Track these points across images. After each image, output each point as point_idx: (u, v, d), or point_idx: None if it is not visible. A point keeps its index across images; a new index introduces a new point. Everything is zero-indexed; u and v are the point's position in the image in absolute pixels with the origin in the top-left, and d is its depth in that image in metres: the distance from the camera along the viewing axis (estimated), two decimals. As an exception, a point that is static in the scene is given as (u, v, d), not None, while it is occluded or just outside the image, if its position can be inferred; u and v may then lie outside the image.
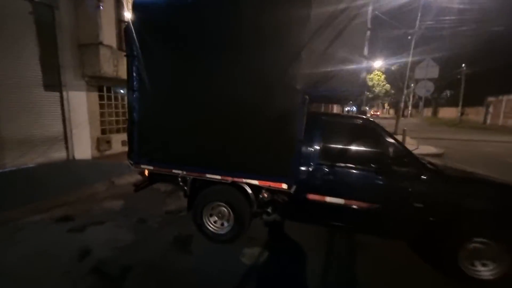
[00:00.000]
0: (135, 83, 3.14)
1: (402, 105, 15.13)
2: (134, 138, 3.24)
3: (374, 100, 46.30)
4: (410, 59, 13.56)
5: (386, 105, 64.60)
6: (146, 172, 3.37)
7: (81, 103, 6.60)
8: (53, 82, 6.06)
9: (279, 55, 2.61)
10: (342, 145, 2.84)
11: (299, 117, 2.58)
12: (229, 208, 3.05)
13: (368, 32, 2.42)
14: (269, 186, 2.80)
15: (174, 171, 3.14)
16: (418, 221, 2.56)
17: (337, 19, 2.46)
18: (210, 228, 3.12)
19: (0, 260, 2.67)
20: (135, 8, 3.03)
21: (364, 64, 2.46)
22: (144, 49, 3.03)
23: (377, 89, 41.87)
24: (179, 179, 3.19)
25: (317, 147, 2.86)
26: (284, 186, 2.73)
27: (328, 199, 2.76)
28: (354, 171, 2.73)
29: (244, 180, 2.89)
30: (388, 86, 35.90)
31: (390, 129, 12.51)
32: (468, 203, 2.43)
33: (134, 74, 3.13)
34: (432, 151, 9.75)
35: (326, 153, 2.84)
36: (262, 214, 3.20)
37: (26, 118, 5.69)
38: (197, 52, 2.86)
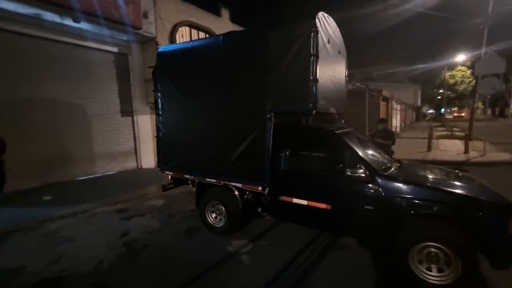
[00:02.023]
0: (159, 109, 4.26)
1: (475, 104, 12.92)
2: (159, 150, 4.35)
3: (460, 99, 39.33)
4: (483, 50, 11.71)
5: (480, 104, 54.02)
6: (169, 177, 4.42)
7: (146, 124, 8.45)
8: (127, 109, 8.05)
9: (250, 85, 3.31)
10: (305, 153, 3.25)
11: (267, 130, 3.16)
12: (223, 206, 3.77)
13: (312, 58, 2.85)
14: (249, 188, 3.43)
15: (185, 176, 4.09)
16: (369, 222, 2.74)
17: (289, 51, 2.99)
18: (210, 221, 3.89)
19: (75, 233, 4.05)
20: (157, 55, 4.19)
21: (312, 85, 2.88)
22: (163, 86, 4.14)
23: (461, 87, 35.73)
24: (189, 182, 4.13)
25: (286, 155, 3.33)
26: (260, 188, 3.32)
27: (295, 200, 3.18)
28: (314, 175, 3.10)
29: (232, 184, 3.58)
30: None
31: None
32: (417, 208, 2.50)
33: (159, 103, 4.26)
34: (504, 158, 8.25)
35: (293, 159, 3.29)
36: (253, 213, 3.80)
37: (110, 137, 7.73)
38: (194, 86, 3.79)
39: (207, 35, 9.71)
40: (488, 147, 10.77)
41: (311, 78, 2.88)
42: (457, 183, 2.82)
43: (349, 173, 2.83)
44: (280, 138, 3.32)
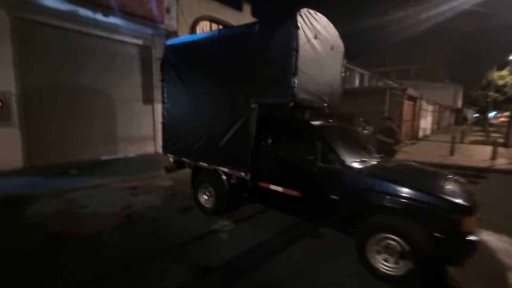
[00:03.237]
0: (165, 98, 4.69)
1: None
2: (164, 135, 4.79)
3: (511, 102, 35.33)
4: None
5: (535, 109, 48.07)
6: (172, 160, 4.86)
7: (165, 112, 9.07)
8: (148, 98, 8.73)
9: (238, 77, 3.56)
10: (284, 143, 3.43)
11: (251, 120, 3.41)
12: (212, 188, 4.10)
13: (292, 52, 3.01)
14: (234, 173, 3.71)
15: (183, 159, 4.49)
16: (335, 211, 2.88)
17: (272, 45, 3.18)
18: (201, 202, 4.26)
19: (90, 202, 4.67)
20: (165, 48, 4.59)
21: (292, 79, 3.04)
22: (169, 76, 4.54)
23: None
24: (187, 165, 4.52)
25: (268, 144, 3.55)
26: (242, 174, 3.59)
27: (272, 186, 3.40)
28: (290, 164, 3.29)
29: (220, 168, 3.89)
30: (531, 85, 27.54)
31: None
32: (378, 201, 2.59)
33: (165, 93, 4.68)
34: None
35: (273, 148, 3.50)
36: (241, 197, 4.08)
37: (132, 123, 8.47)
38: (193, 77, 4.13)
39: (227, 29, 10.04)
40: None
41: (291, 72, 3.04)
42: (428, 182, 2.82)
43: (320, 163, 2.98)
44: (264, 128, 3.54)
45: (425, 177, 3.04)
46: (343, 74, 4.40)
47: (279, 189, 3.33)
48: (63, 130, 7.03)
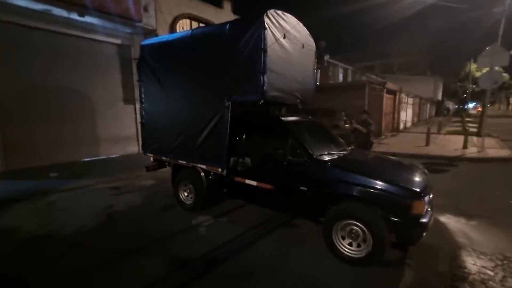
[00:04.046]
0: (142, 98, 4.73)
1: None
2: (143, 135, 4.84)
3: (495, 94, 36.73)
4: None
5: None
6: (152, 159, 4.91)
7: (148, 111, 9.03)
8: (129, 97, 8.66)
9: (211, 76, 3.67)
10: (257, 138, 3.59)
11: (225, 117, 3.53)
12: (192, 185, 4.21)
13: (260, 52, 3.14)
14: (211, 169, 3.84)
15: (163, 158, 4.56)
16: (305, 201, 3.07)
17: (242, 45, 3.30)
18: (181, 198, 4.36)
19: (70, 204, 4.68)
20: (140, 48, 4.62)
21: (261, 77, 3.18)
22: (145, 76, 4.58)
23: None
24: (166, 163, 4.60)
25: (242, 140, 3.69)
26: (219, 170, 3.72)
27: (247, 181, 3.55)
28: (262, 159, 3.44)
29: (198, 165, 4.00)
30: (506, 75, 28.84)
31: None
32: (341, 190, 2.80)
33: (142, 92, 4.72)
34: (502, 155, 8.06)
35: (247, 144, 3.65)
36: (220, 193, 4.21)
37: (113, 123, 8.40)
38: (169, 77, 4.20)
39: (208, 27, 10.04)
40: (497, 144, 10.46)
41: (259, 70, 3.18)
42: (387, 171, 3.05)
43: (289, 157, 3.14)
44: (238, 125, 3.68)
45: (385, 167, 3.28)
46: (316, 71, 4.57)
47: (254, 183, 3.48)
48: (41, 132, 6.91)
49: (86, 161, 7.69)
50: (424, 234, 2.58)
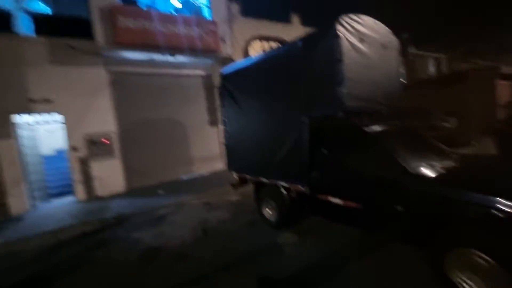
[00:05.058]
0: (224, 121, 5.17)
1: None
2: (227, 155, 5.26)
3: None
4: None
5: None
6: (236, 176, 5.26)
7: (229, 131, 9.85)
8: (213, 120, 9.66)
9: (287, 93, 3.72)
10: (339, 154, 3.33)
11: (303, 133, 3.49)
12: (274, 202, 4.26)
13: (336, 62, 2.99)
14: (293, 187, 3.81)
15: (246, 176, 4.82)
16: (402, 223, 2.63)
17: (316, 57, 3.24)
18: (265, 216, 4.46)
19: (174, 218, 5.44)
20: (220, 76, 5.11)
21: (339, 88, 3.01)
22: (226, 101, 5.01)
23: None
24: (249, 181, 4.84)
25: (324, 155, 3.50)
26: (301, 187, 3.66)
27: (331, 198, 3.33)
28: (347, 175, 3.17)
29: (279, 182, 4.04)
30: None
31: None
32: (453, 210, 2.28)
33: (224, 116, 5.18)
34: None
35: (329, 160, 3.44)
36: (303, 210, 4.12)
37: (202, 144, 9.49)
38: (247, 99, 4.48)
39: (279, 44, 10.36)
40: None
41: (337, 81, 3.02)
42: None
43: (379, 172, 2.81)
44: (318, 140, 3.54)
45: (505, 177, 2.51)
46: (402, 70, 4.05)
47: (338, 201, 3.25)
48: (150, 157, 8.42)
49: (184, 179, 8.87)
50: None
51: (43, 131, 8.73)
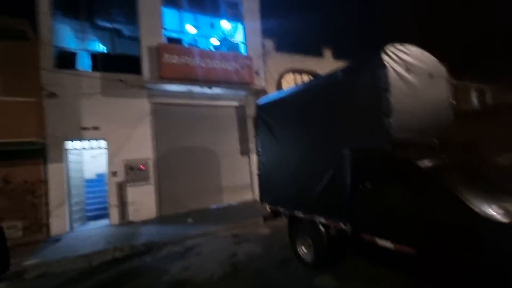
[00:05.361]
0: (259, 151, 5.12)
1: None
2: (260, 185, 5.11)
3: None
4: None
5: None
6: (269, 209, 5.03)
7: (260, 161, 9.78)
8: (245, 150, 9.71)
9: (326, 124, 3.60)
10: (387, 190, 2.99)
11: (344, 166, 3.27)
12: (311, 240, 3.92)
13: (382, 92, 2.84)
14: (332, 224, 3.50)
15: (279, 208, 4.58)
16: (469, 272, 2.19)
17: (358, 88, 3.13)
18: (300, 253, 4.10)
19: (202, 250, 5.25)
20: (256, 107, 5.17)
21: (386, 120, 2.82)
22: (261, 131, 5.00)
23: None
24: (283, 214, 4.57)
25: (369, 190, 3.19)
26: (341, 225, 3.34)
27: (379, 240, 2.95)
28: (399, 215, 2.81)
29: (317, 218, 3.75)
30: None
31: None
32: None
33: (258, 146, 5.13)
34: None
35: (375, 197, 3.11)
36: (343, 250, 3.73)
37: (232, 173, 9.48)
38: (282, 130, 4.42)
39: (311, 77, 10.51)
40: None
41: (383, 113, 2.84)
42: None
43: (439, 213, 2.45)
44: (362, 173, 3.27)
45: None
46: (452, 101, 3.76)
47: (388, 244, 2.86)
48: (181, 184, 8.53)
49: (213, 208, 8.77)
50: None
51: (88, 156, 9.40)
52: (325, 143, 3.61)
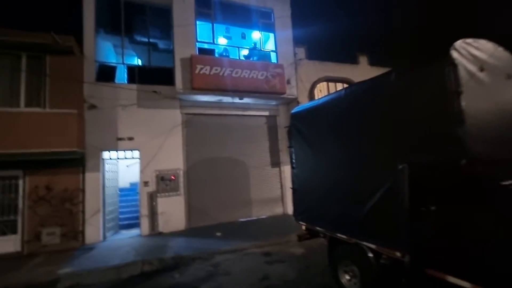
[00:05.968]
0: (293, 163, 4.72)
1: None
2: (295, 201, 4.68)
3: None
4: None
5: None
6: (304, 227, 4.56)
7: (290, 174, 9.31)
8: (275, 161, 9.33)
9: (376, 135, 3.14)
10: (461, 214, 2.40)
11: (400, 183, 2.76)
12: (357, 268, 3.38)
13: (453, 96, 2.33)
14: (384, 252, 2.95)
15: (317, 228, 4.10)
16: None
17: (421, 93, 2.65)
18: (342, 282, 3.56)
19: (231, 268, 4.89)
20: (290, 116, 4.82)
21: (459, 128, 2.30)
22: (296, 142, 4.62)
23: None
24: (321, 235, 4.08)
25: (435, 214, 2.62)
26: (398, 254, 2.79)
27: (450, 278, 2.37)
28: (480, 247, 2.21)
29: (364, 243, 3.22)
30: None
31: None
32: None
33: (293, 158, 4.74)
34: None
35: (446, 221, 2.53)
36: (397, 283, 3.14)
37: (262, 185, 9.11)
38: (321, 141, 3.99)
39: (345, 85, 9.94)
40: None
41: (455, 120, 2.33)
42: None
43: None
44: (423, 193, 2.72)
45: None
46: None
47: (464, 284, 2.27)
48: (210, 196, 8.35)
49: (242, 222, 8.43)
50: None
51: (122, 166, 9.68)
52: (374, 156, 3.12)
